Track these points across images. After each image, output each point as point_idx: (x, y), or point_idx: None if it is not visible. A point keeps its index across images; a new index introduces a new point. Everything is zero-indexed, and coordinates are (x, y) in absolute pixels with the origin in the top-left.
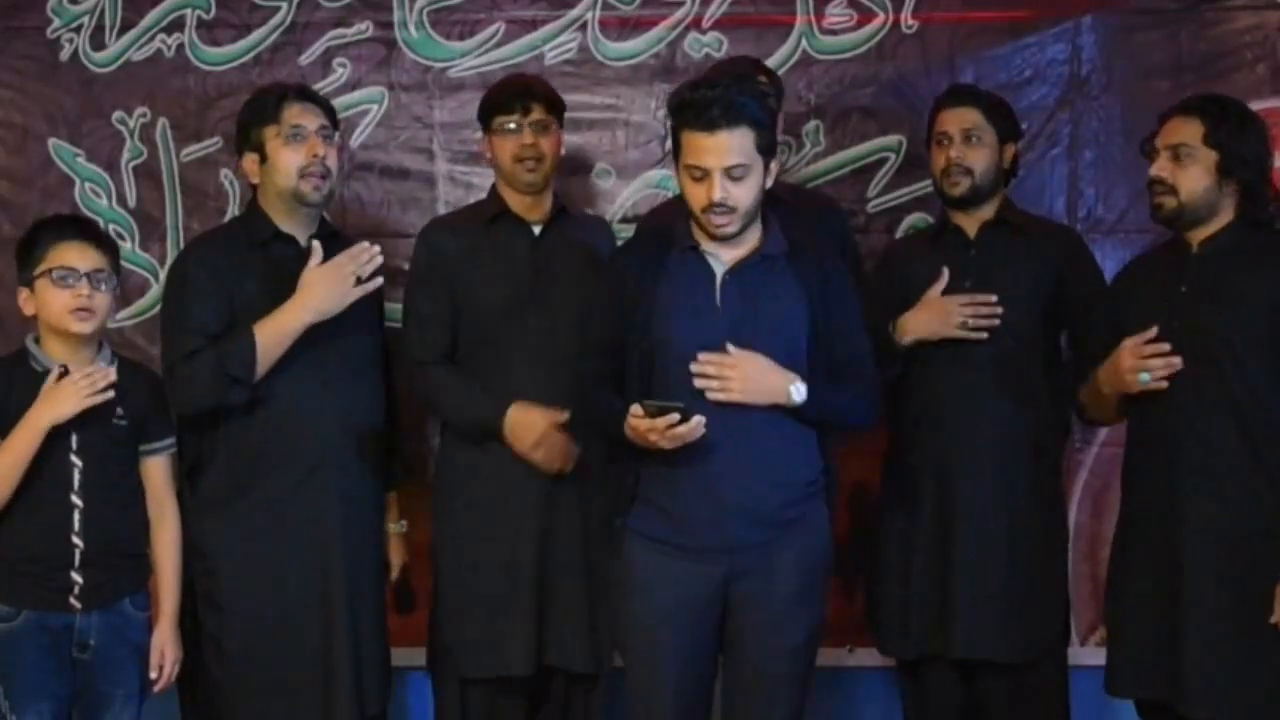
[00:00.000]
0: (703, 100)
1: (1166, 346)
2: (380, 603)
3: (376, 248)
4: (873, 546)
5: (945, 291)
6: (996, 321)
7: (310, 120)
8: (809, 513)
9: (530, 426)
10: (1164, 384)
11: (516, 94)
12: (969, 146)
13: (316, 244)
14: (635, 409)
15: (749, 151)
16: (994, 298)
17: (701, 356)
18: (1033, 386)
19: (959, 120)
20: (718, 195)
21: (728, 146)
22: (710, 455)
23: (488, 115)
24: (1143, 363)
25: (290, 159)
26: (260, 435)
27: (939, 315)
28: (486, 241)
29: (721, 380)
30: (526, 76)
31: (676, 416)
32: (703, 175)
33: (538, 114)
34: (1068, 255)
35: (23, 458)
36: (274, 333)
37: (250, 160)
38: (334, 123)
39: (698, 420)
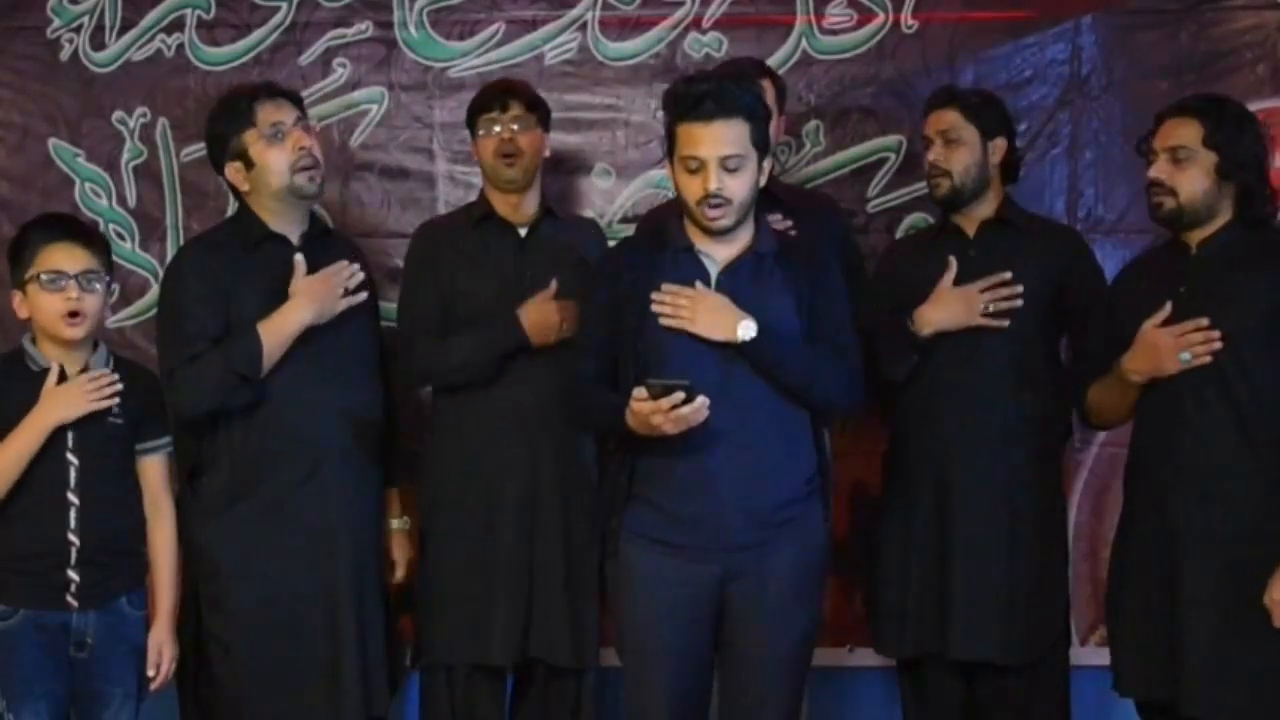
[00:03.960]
0: (698, 92)
1: (1204, 321)
2: (384, 601)
3: (355, 265)
4: (872, 546)
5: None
6: (1019, 303)
7: (286, 114)
8: (805, 512)
9: (542, 313)
10: (1207, 359)
11: (496, 94)
12: (948, 149)
13: (299, 258)
14: (639, 391)
15: (744, 143)
16: (1009, 275)
17: (665, 286)
18: (1033, 387)
19: (936, 123)
20: (713, 185)
21: (723, 137)
22: (706, 455)
23: (473, 117)
24: (1183, 340)
25: (278, 157)
26: (260, 436)
27: (961, 304)
28: (473, 244)
29: (675, 307)
30: (508, 79)
31: (681, 395)
32: (698, 166)
33: (516, 111)
34: (1069, 256)
35: (24, 456)
36: (276, 331)
37: (235, 170)
38: (304, 110)
39: (702, 401)
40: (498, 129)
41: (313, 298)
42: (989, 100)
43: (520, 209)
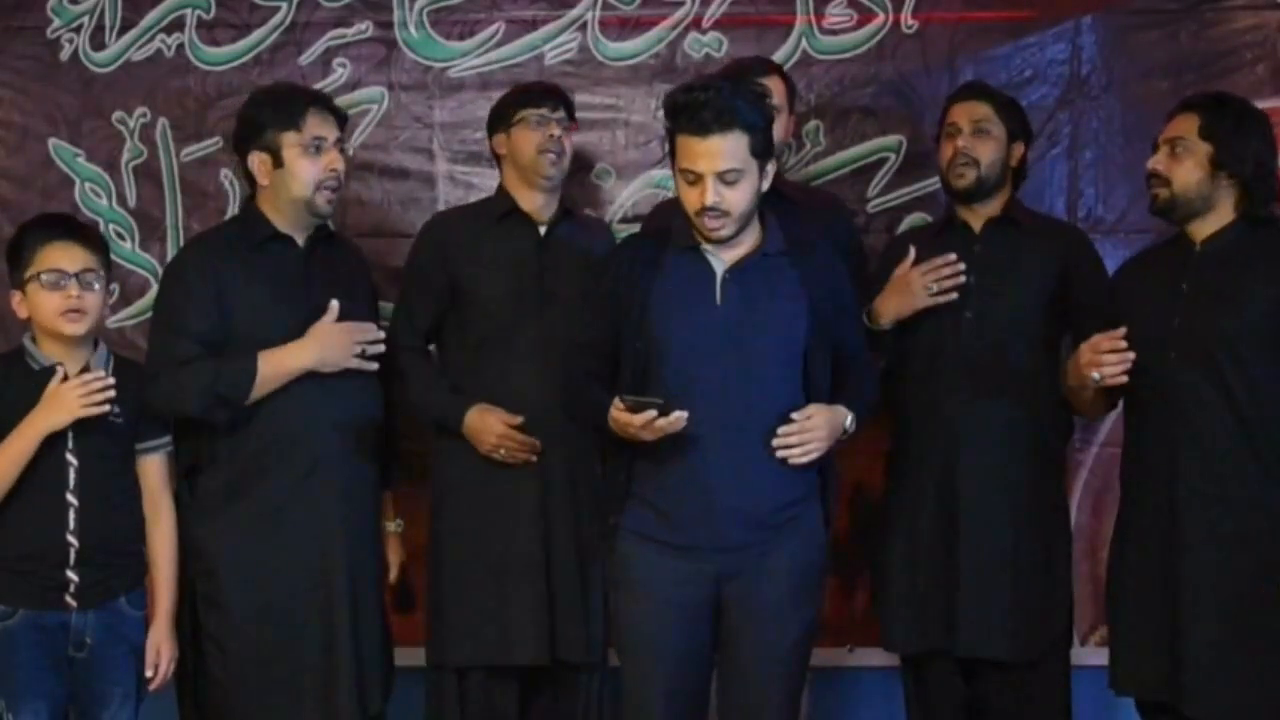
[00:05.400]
0: (695, 103)
1: (1124, 344)
2: (381, 601)
3: (381, 334)
4: (877, 545)
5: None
6: (961, 279)
7: (330, 132)
8: (803, 513)
9: (486, 430)
10: (1122, 379)
11: (546, 91)
12: (977, 138)
13: (334, 303)
14: (616, 403)
15: (742, 155)
16: (953, 256)
17: (781, 430)
18: (1035, 385)
19: (969, 112)
20: (710, 199)
21: (720, 151)
22: (704, 456)
23: (512, 109)
24: (1098, 358)
25: (310, 171)
26: (259, 435)
27: (904, 292)
28: (493, 238)
29: (804, 447)
30: (547, 82)
31: (654, 413)
32: (696, 179)
33: (562, 113)
34: (1072, 254)
35: (17, 463)
36: (277, 366)
37: (260, 160)
38: (344, 134)
39: (678, 415)
40: (547, 125)
41: (324, 345)
42: (1016, 105)
43: (544, 207)
